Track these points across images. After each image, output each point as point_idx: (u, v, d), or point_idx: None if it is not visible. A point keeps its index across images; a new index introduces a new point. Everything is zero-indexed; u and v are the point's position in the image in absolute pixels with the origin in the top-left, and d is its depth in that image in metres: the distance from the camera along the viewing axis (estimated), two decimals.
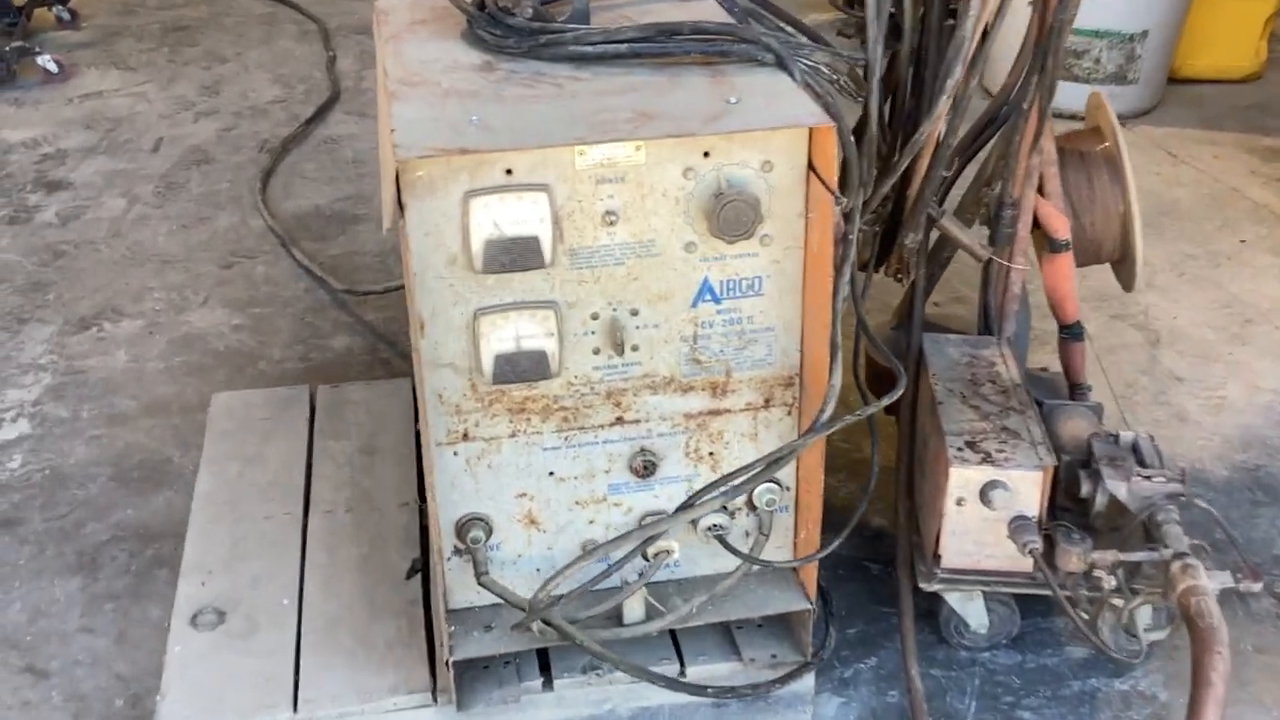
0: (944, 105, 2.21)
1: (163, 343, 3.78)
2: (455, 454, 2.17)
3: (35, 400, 3.49)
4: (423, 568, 2.57)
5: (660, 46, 2.12)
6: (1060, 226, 2.70)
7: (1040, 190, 2.68)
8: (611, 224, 2.02)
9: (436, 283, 2.02)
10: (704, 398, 2.20)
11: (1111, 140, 2.83)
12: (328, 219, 4.49)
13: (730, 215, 2.01)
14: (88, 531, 3.01)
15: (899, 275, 2.69)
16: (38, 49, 5.73)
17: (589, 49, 2.13)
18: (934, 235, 2.71)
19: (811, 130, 2.00)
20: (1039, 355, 3.29)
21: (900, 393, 2.12)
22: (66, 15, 6.35)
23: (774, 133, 2.00)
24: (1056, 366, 2.91)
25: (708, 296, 2.12)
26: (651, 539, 2.09)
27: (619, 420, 2.20)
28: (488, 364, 2.08)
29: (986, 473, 2.38)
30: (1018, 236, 2.69)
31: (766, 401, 2.23)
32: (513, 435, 2.18)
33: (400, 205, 1.95)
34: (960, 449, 2.41)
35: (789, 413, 2.25)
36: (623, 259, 2.06)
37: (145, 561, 2.92)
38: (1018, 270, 2.73)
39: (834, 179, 1.94)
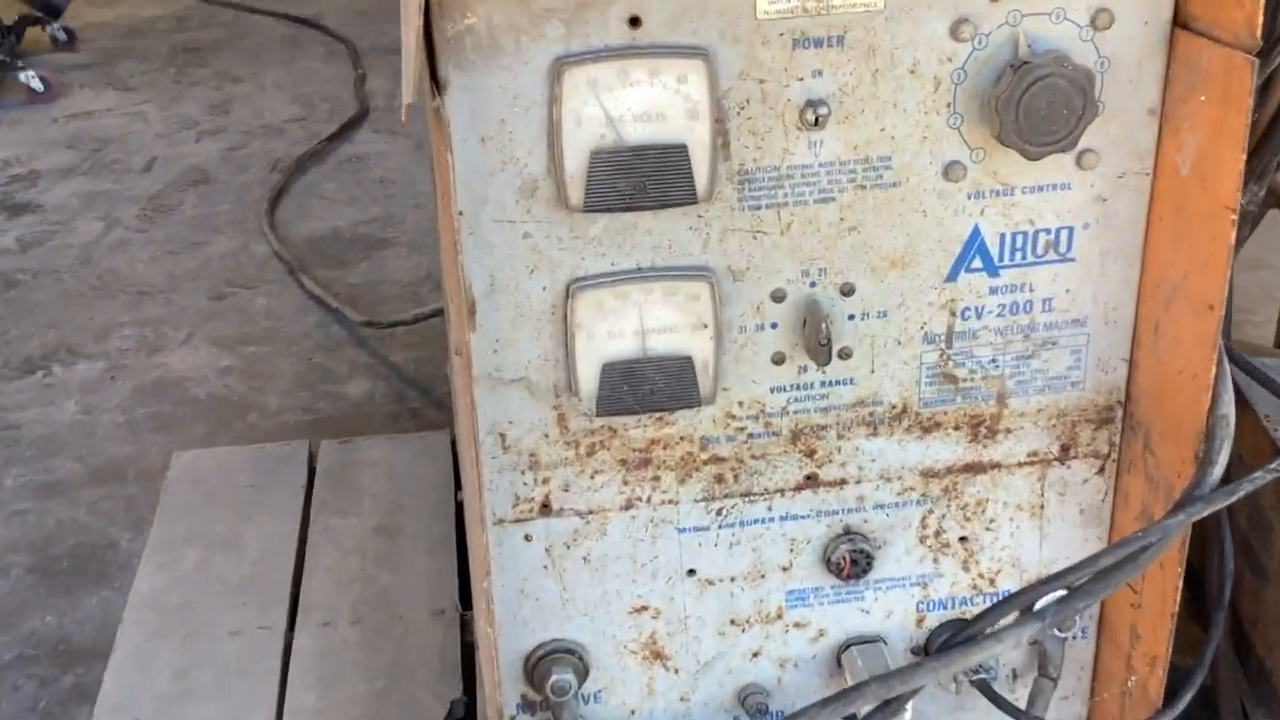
0: None
1: (125, 390, 2.90)
2: (528, 538, 1.25)
3: None
4: (469, 717, 1.65)
5: None
6: None
7: None
8: (817, 125, 1.11)
9: (499, 230, 1.12)
10: (958, 443, 1.27)
11: None
12: (348, 243, 3.62)
13: (1038, 106, 1.09)
14: None
15: None
16: (20, 64, 4.95)
17: None
18: None
19: None
20: None
21: None
22: (63, 35, 5.59)
23: None
24: None
25: (977, 261, 1.20)
26: (900, 698, 1.13)
27: (811, 481, 1.27)
28: (589, 380, 1.17)
29: None
30: None
31: (1065, 450, 1.30)
32: (628, 506, 1.26)
33: (435, 81, 1.05)
34: None
35: (1099, 470, 1.31)
36: (833, 192, 1.15)
37: (60, 694, 2.01)
38: None
39: (1256, 29, 1.02)
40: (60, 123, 4.73)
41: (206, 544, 2.05)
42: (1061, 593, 1.10)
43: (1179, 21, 1.12)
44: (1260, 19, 1.01)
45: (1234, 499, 1.10)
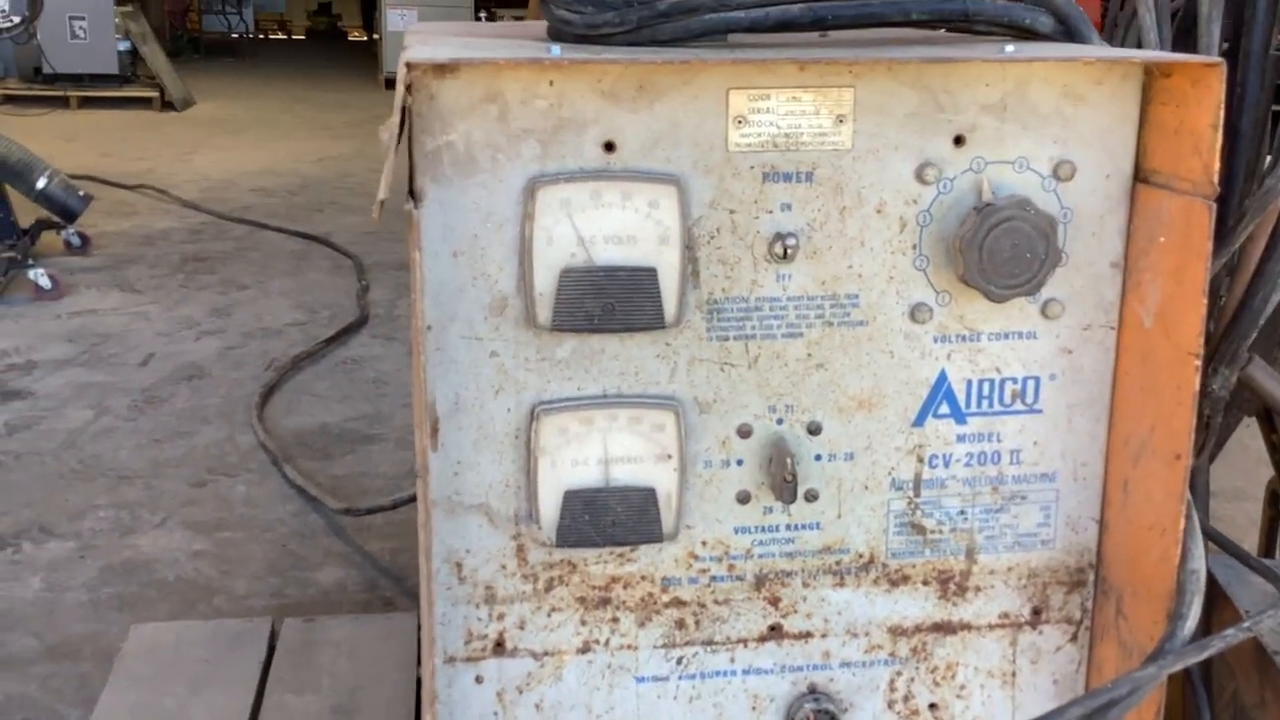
0: None
1: (93, 569, 2.84)
2: (479, 680, 1.20)
3: None
4: None
5: (859, 9, 1.28)
6: None
7: None
8: (786, 258, 1.13)
9: (466, 348, 1.12)
10: (927, 599, 1.24)
11: None
12: (334, 437, 3.62)
13: (1002, 248, 1.11)
14: None
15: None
16: (30, 261, 5.07)
17: (739, 15, 1.29)
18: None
19: (1154, 81, 1.13)
20: None
21: None
22: (77, 241, 5.75)
23: (1078, 109, 1.13)
24: None
25: (944, 407, 1.19)
26: None
27: (776, 632, 1.23)
28: (550, 508, 1.15)
29: None
30: None
31: (1036, 614, 1.25)
32: (585, 649, 1.21)
33: (411, 192, 1.07)
34: None
35: (1072, 637, 1.27)
36: (800, 327, 1.15)
37: None
38: None
39: (1213, 176, 1.05)
40: (63, 318, 4.81)
41: (152, 717, 1.96)
42: None
43: (1139, 176, 1.15)
44: (1216, 166, 1.04)
45: (1206, 655, 1.06)
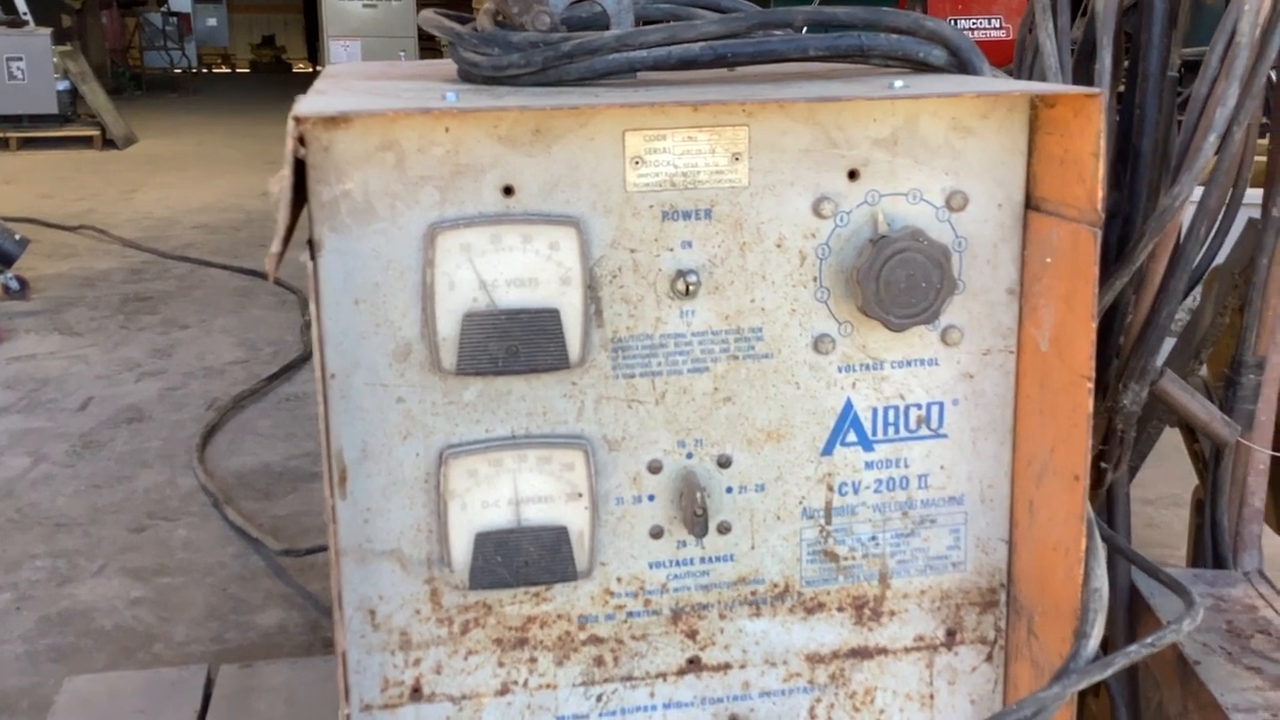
0: (1210, 148, 1.38)
1: (30, 621, 2.80)
2: None
3: None
4: None
5: (758, 47, 1.30)
6: None
7: None
8: (688, 294, 1.14)
9: (371, 394, 1.12)
10: (843, 625, 1.25)
11: None
12: (276, 476, 3.59)
13: (897, 279, 1.13)
14: None
15: (1100, 461, 1.77)
16: None
17: (642, 54, 1.31)
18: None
19: (1040, 112, 1.16)
20: None
21: (1199, 617, 1.16)
22: (15, 284, 5.69)
23: (967, 141, 1.16)
24: None
25: (852, 435, 1.21)
26: None
27: (694, 665, 1.23)
28: (462, 551, 1.15)
29: None
30: (1258, 419, 1.80)
31: (951, 635, 1.27)
32: (504, 691, 1.21)
33: (310, 243, 1.08)
34: None
35: (987, 657, 1.28)
36: (706, 362, 1.17)
37: None
38: (1259, 470, 1.82)
39: (1096, 204, 1.07)
40: (1, 365, 4.75)
41: None
42: None
43: (1030, 204, 1.18)
44: (1100, 194, 1.07)
45: (1110, 672, 1.08)
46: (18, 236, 5.61)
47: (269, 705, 2.12)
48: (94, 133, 11.23)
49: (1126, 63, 1.65)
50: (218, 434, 3.96)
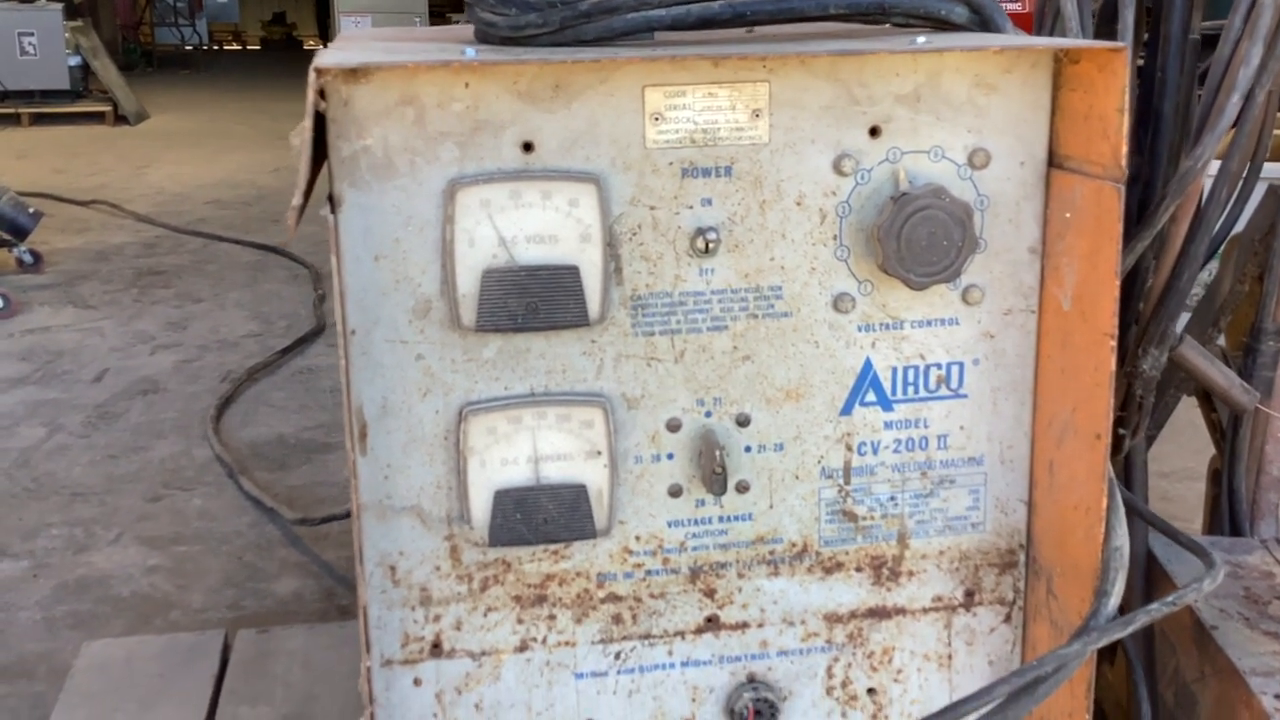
0: (1233, 109, 1.37)
1: (47, 588, 2.81)
2: (417, 682, 1.20)
3: None
4: None
5: (778, 5, 1.29)
6: None
7: None
8: (708, 252, 1.14)
9: (391, 351, 1.12)
10: (861, 585, 1.25)
11: None
12: (291, 448, 3.60)
13: (919, 237, 1.13)
14: None
15: (1118, 427, 1.76)
16: None
17: (660, 13, 1.30)
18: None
19: (1064, 68, 1.15)
20: None
21: (1219, 578, 1.16)
22: (29, 258, 5.70)
23: (990, 98, 1.15)
24: None
25: (871, 395, 1.21)
26: None
27: (712, 623, 1.24)
28: (481, 508, 1.15)
29: None
30: (1278, 386, 1.79)
31: (970, 596, 1.27)
32: (523, 648, 1.21)
33: (330, 198, 1.08)
34: None
35: (1006, 618, 1.28)
36: (725, 320, 1.16)
37: None
38: (1277, 438, 1.81)
39: (1121, 159, 1.07)
40: (16, 337, 4.76)
41: None
42: None
43: (1053, 162, 1.17)
44: (1124, 150, 1.06)
45: (1131, 630, 1.08)
46: (31, 210, 5.62)
47: (286, 669, 2.13)
48: (106, 108, 11.24)
49: (1146, 36, 1.64)
50: (232, 406, 3.97)
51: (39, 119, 11.07)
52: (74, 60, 11.30)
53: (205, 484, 3.37)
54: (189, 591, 2.79)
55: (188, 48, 19.78)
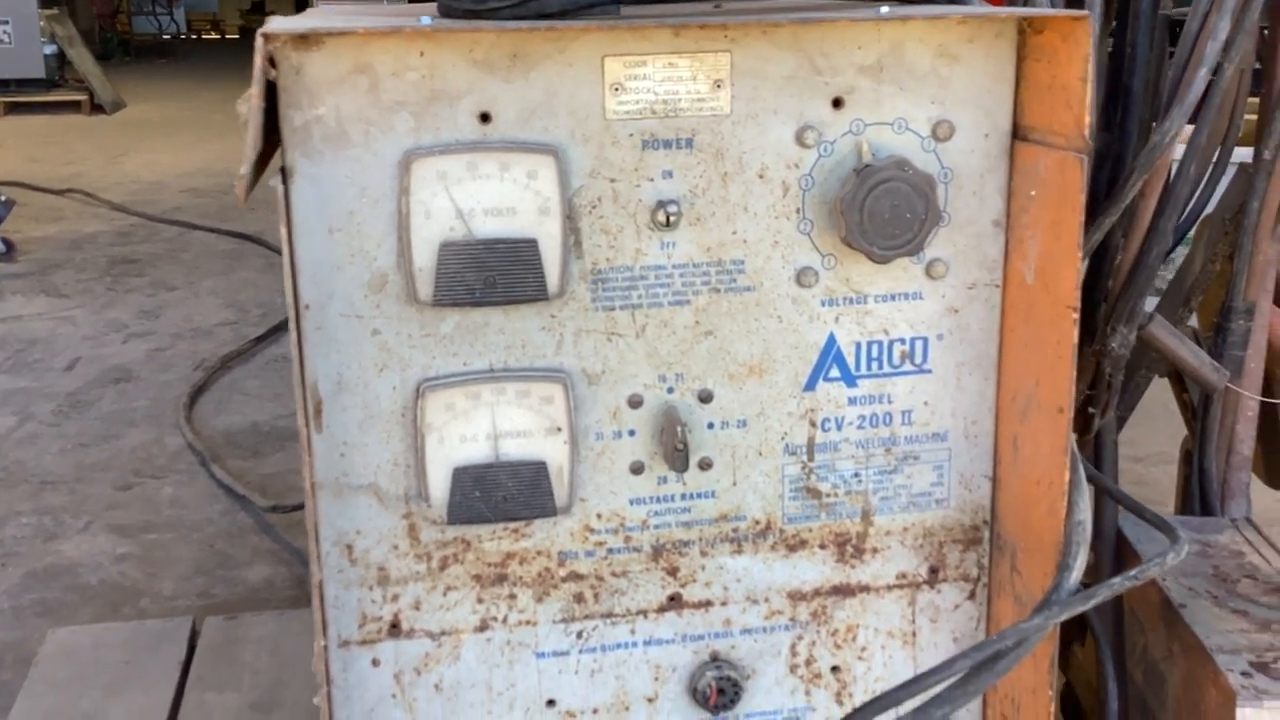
0: (1201, 83, 1.37)
1: (15, 576, 2.79)
2: (375, 663, 1.19)
3: None
4: None
5: None
6: None
7: (1276, 299, 1.81)
8: (669, 225, 1.12)
9: (347, 326, 1.10)
10: (825, 563, 1.24)
11: None
12: (264, 435, 3.58)
13: (882, 209, 1.11)
14: None
15: (1087, 406, 1.76)
16: None
17: None
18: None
19: (1028, 39, 1.14)
20: None
21: (1183, 552, 1.15)
22: (1, 247, 5.65)
23: (954, 68, 1.14)
24: None
25: (835, 370, 1.20)
26: None
27: (675, 602, 1.22)
28: (440, 486, 1.13)
29: None
30: (1248, 365, 1.78)
31: (934, 573, 1.26)
32: (483, 627, 1.20)
33: (282, 169, 1.06)
34: (1247, 673, 1.42)
35: (970, 594, 1.28)
36: (687, 294, 1.15)
37: None
38: (1248, 418, 1.81)
39: (1084, 130, 1.06)
40: None
41: None
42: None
43: (1017, 134, 1.16)
44: (1088, 120, 1.05)
45: (1092, 604, 1.07)
46: (3, 198, 5.57)
47: (254, 655, 2.11)
48: (82, 97, 11.14)
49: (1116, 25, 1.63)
50: (205, 394, 3.94)
51: (14, 108, 10.96)
52: (50, 49, 11.19)
53: (177, 472, 3.34)
54: (159, 579, 2.77)
55: (165, 37, 19.64)
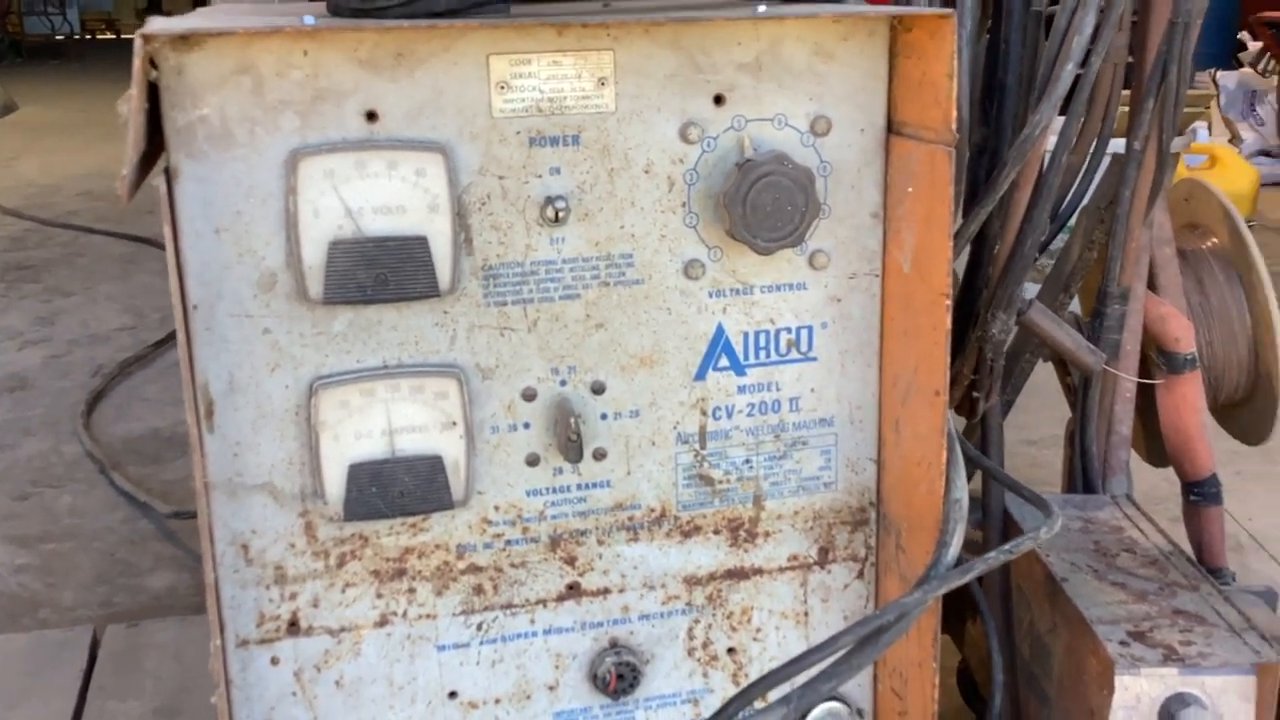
0: (1068, 77, 1.42)
1: None
2: (274, 661, 1.19)
3: None
4: None
5: None
6: (1183, 333, 1.88)
7: (1150, 284, 1.88)
8: (558, 221, 1.15)
9: (236, 326, 1.11)
10: (719, 548, 1.27)
11: (1227, 235, 2.07)
12: (165, 441, 3.52)
13: (763, 202, 1.15)
14: None
15: (973, 391, 1.82)
16: None
17: None
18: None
19: (899, 36, 1.18)
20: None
21: (1056, 526, 1.20)
22: None
23: (830, 65, 1.17)
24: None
25: (724, 360, 1.23)
26: None
27: (574, 590, 1.25)
28: (336, 483, 1.14)
29: (1171, 680, 1.45)
30: (1124, 348, 1.86)
31: (824, 554, 1.30)
32: (383, 622, 1.21)
33: (166, 170, 1.06)
34: (1124, 643, 1.48)
35: (859, 574, 1.32)
36: (577, 289, 1.17)
37: None
38: (1125, 399, 1.89)
39: (951, 124, 1.10)
40: None
41: None
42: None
43: (892, 128, 1.20)
44: (954, 115, 1.09)
45: (969, 577, 1.11)
46: None
47: (157, 662, 2.09)
48: None
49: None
50: (104, 401, 3.86)
51: None
52: None
53: (76, 481, 3.28)
54: (59, 589, 2.71)
55: (59, 37, 19.12)
